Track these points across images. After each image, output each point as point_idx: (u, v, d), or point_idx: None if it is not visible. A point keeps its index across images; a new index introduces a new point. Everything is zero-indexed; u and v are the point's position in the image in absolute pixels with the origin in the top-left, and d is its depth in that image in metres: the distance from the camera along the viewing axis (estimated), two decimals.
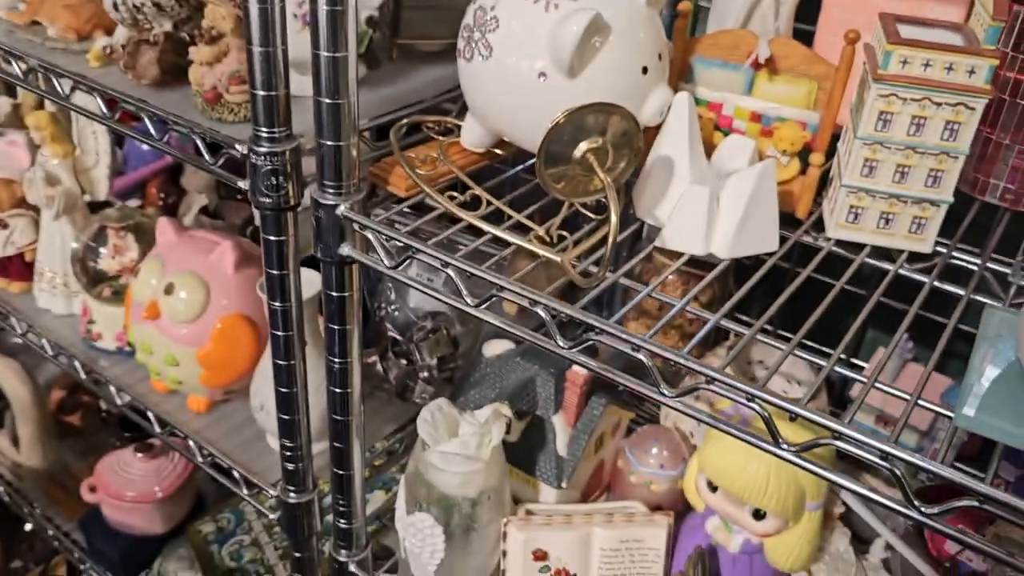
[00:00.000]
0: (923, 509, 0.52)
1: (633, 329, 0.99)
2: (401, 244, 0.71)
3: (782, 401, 0.55)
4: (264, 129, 0.76)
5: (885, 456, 0.53)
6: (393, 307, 1.09)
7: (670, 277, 0.98)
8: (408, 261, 0.72)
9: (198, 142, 0.85)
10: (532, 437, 0.91)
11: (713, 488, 0.82)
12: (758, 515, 0.80)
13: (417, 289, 0.72)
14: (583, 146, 0.64)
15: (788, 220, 0.77)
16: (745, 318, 1.10)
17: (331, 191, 0.74)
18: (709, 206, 0.69)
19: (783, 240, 0.74)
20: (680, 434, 0.96)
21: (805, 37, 0.89)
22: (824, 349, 1.02)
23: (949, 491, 0.51)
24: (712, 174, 0.73)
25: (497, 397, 0.92)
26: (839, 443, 0.54)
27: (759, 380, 0.58)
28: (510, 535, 0.86)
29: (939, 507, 0.52)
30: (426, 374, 1.07)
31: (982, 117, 0.77)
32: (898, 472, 0.52)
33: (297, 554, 1.02)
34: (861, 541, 0.90)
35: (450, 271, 0.68)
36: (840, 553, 0.88)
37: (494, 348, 0.97)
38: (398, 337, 1.08)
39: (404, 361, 1.08)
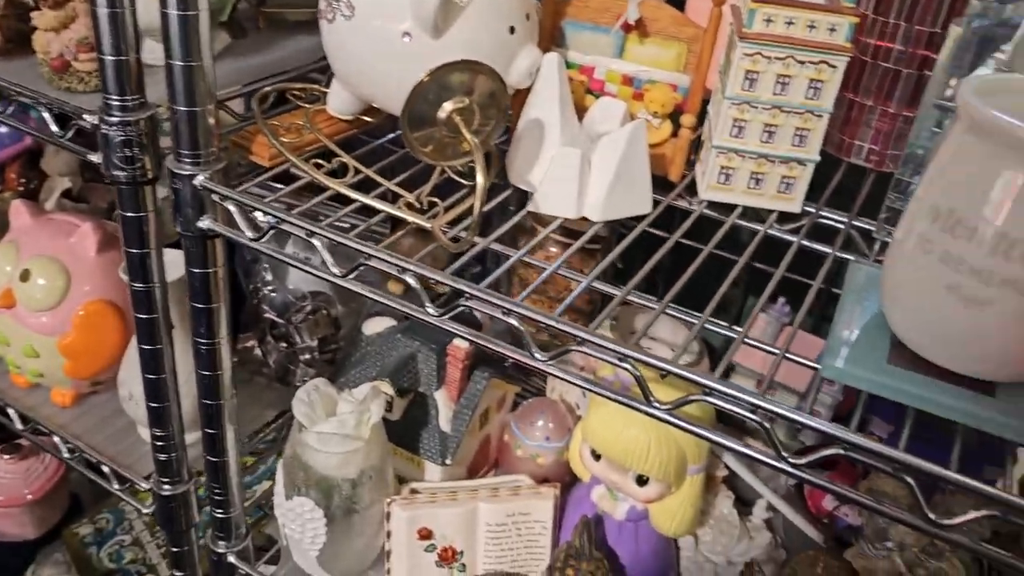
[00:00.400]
0: (792, 460, 0.52)
1: None
2: (264, 216, 0.68)
3: (653, 359, 0.55)
4: (115, 97, 0.71)
5: (754, 409, 0.53)
6: (270, 288, 1.04)
7: (554, 250, 0.97)
8: (273, 233, 0.68)
9: (45, 114, 0.79)
10: (415, 414, 0.89)
11: (597, 457, 0.82)
12: (641, 481, 0.80)
13: (282, 261, 0.68)
14: (448, 106, 0.62)
15: (663, 184, 0.76)
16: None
17: (188, 161, 0.70)
18: (581, 168, 0.68)
19: (657, 204, 0.73)
20: (566, 406, 0.95)
21: (678, 3, 0.89)
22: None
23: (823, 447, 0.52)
24: (584, 137, 0.72)
25: (378, 375, 0.90)
26: (710, 399, 0.54)
27: (632, 339, 0.57)
28: (393, 515, 0.83)
29: (807, 458, 0.52)
30: (307, 356, 1.04)
31: (847, 81, 0.79)
32: (766, 425, 0.52)
33: (175, 548, 0.97)
34: (744, 503, 0.91)
35: (316, 241, 0.65)
36: (724, 515, 0.89)
37: (374, 326, 0.95)
38: (277, 319, 1.04)
39: (284, 344, 1.04)
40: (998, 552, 0.49)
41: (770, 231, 0.72)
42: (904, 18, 0.75)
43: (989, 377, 0.53)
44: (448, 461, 0.87)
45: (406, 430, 0.89)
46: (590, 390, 0.57)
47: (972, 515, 0.48)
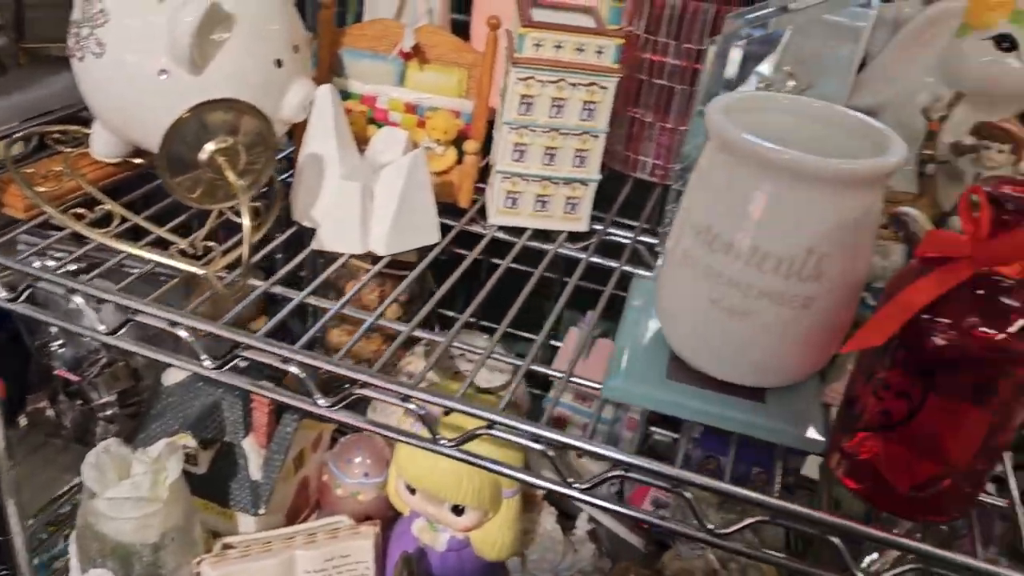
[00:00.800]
0: (577, 486, 0.52)
1: (336, 338, 0.96)
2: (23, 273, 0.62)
3: (434, 397, 0.53)
4: None
5: (536, 438, 0.52)
6: (59, 343, 0.97)
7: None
8: (30, 291, 0.63)
9: None
10: (222, 465, 0.85)
11: (412, 490, 0.80)
12: (457, 511, 0.79)
13: (43, 321, 0.63)
14: (209, 147, 0.59)
15: (459, 211, 0.76)
16: (450, 313, 1.10)
17: None
18: (362, 202, 0.66)
19: (452, 230, 0.73)
20: (384, 440, 0.93)
21: (464, 26, 0.89)
22: (522, 334, 1.03)
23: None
24: (366, 169, 0.70)
25: (181, 428, 0.85)
26: (493, 432, 0.53)
27: (415, 377, 0.56)
28: (204, 575, 0.79)
29: (588, 483, 0.52)
30: (107, 413, 0.97)
31: (629, 98, 0.81)
32: (550, 453, 0.52)
33: None
34: (568, 516, 0.92)
35: (77, 299, 0.60)
36: (548, 532, 0.89)
37: (175, 375, 0.89)
38: (69, 377, 0.96)
39: (79, 402, 0.97)
40: (767, 554, 0.51)
41: (560, 250, 0.73)
42: (673, 36, 0.77)
43: (758, 384, 0.55)
44: (261, 511, 0.84)
45: (214, 482, 0.85)
46: (372, 431, 0.56)
47: (745, 522, 0.50)
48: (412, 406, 0.54)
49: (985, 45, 0.65)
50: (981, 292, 0.45)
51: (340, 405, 0.56)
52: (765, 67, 0.73)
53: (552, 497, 0.91)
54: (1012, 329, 0.44)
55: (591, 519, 0.90)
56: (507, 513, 0.80)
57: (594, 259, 0.73)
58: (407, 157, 0.67)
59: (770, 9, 0.71)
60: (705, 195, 0.53)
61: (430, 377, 0.87)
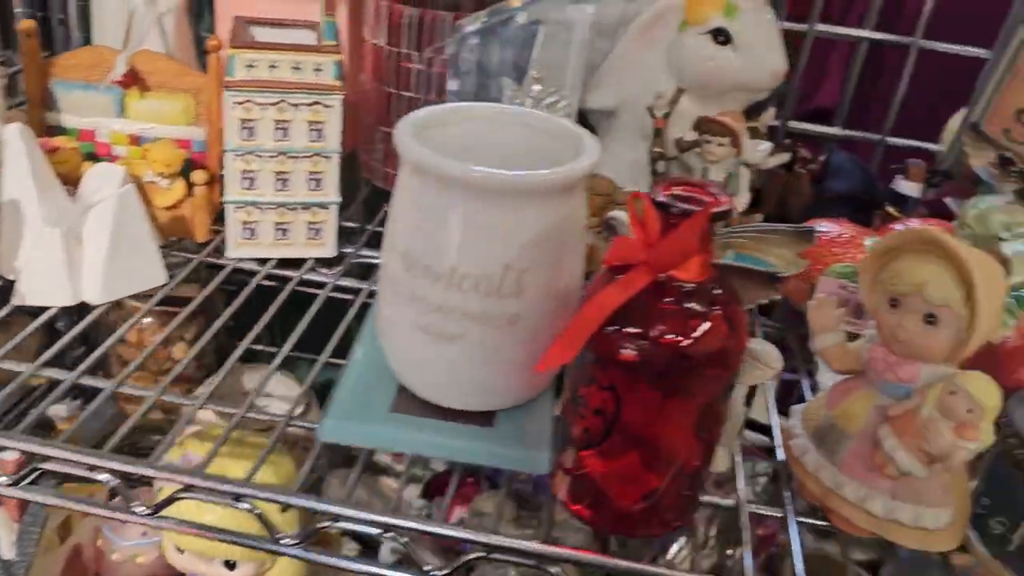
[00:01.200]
0: (284, 541, 0.49)
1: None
2: None
3: (126, 464, 0.49)
4: None
5: (239, 497, 0.48)
6: None
7: (148, 320, 0.88)
8: None
9: None
10: None
11: (182, 550, 0.75)
12: (230, 565, 0.73)
13: None
14: None
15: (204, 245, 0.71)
16: (259, 347, 1.04)
17: None
18: (65, 248, 0.60)
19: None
20: None
21: None
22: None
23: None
24: (76, 211, 0.64)
25: None
26: (190, 494, 0.49)
27: (108, 445, 0.51)
28: None
29: (297, 537, 0.49)
30: None
31: (382, 112, 0.78)
32: (256, 511, 0.48)
33: None
34: (371, 547, 0.89)
35: None
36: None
37: None
38: None
39: None
40: None
41: (307, 276, 0.69)
42: (415, 46, 0.75)
43: (483, 408, 0.53)
44: None
45: None
46: (61, 507, 0.50)
47: (460, 561, 0.47)
48: (102, 476, 0.49)
49: (703, 40, 0.64)
50: (666, 299, 0.44)
51: (25, 483, 0.50)
52: (514, 74, 0.72)
53: (354, 531, 0.87)
54: (696, 333, 0.43)
55: (395, 549, 0.87)
56: (287, 559, 0.75)
57: (343, 282, 0.69)
58: (114, 195, 0.61)
59: (499, 10, 0.69)
60: (403, 218, 0.50)
61: (209, 421, 0.82)
